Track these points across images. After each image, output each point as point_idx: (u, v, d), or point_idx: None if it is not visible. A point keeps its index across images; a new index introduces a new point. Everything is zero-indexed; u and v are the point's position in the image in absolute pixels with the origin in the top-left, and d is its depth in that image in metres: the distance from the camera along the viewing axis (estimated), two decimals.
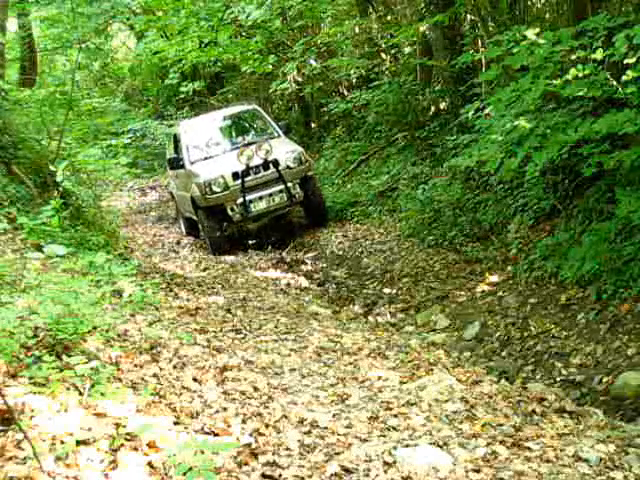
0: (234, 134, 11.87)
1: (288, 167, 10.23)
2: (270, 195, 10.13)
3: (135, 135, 17.27)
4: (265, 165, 10.08)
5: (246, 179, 9.97)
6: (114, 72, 22.92)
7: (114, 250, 6.83)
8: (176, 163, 10.96)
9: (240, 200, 10.00)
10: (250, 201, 10.02)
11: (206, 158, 10.88)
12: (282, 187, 10.15)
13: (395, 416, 3.33)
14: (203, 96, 17.42)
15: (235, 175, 10.00)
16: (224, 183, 9.98)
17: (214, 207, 10.11)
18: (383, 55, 12.80)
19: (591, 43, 5.19)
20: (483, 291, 6.83)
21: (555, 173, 7.03)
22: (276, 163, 10.08)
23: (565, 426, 3.48)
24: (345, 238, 9.83)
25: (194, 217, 10.88)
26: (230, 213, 10.09)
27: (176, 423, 2.89)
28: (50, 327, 3.21)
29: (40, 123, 8.11)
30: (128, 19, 17.39)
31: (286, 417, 3.17)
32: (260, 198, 10.09)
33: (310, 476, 2.64)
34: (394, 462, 2.80)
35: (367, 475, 2.69)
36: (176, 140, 11.55)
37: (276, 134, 11.23)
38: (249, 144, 10.60)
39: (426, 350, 5.08)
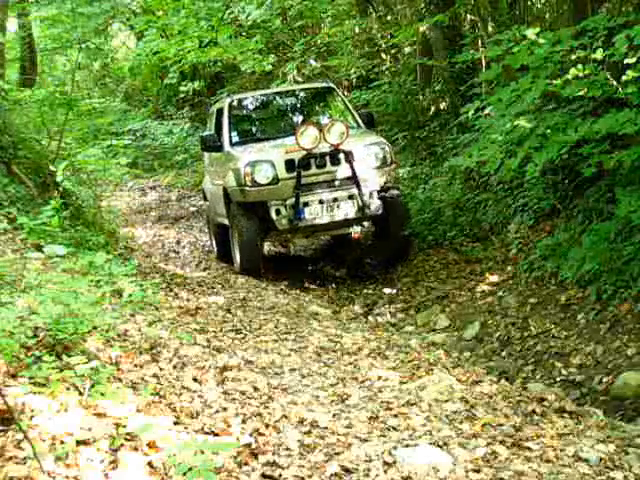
0: (297, 117, 9.13)
1: (367, 165, 7.47)
2: (335, 200, 7.30)
3: (135, 135, 17.29)
4: (334, 157, 7.33)
5: (304, 172, 7.24)
6: (114, 72, 22.93)
7: (114, 250, 6.82)
8: (211, 143, 8.21)
9: (292, 200, 7.25)
10: (305, 204, 7.26)
11: (253, 140, 8.34)
12: (354, 192, 7.31)
13: (395, 416, 3.33)
14: (203, 96, 17.42)
15: (289, 164, 7.28)
16: (273, 173, 7.26)
17: (254, 205, 7.45)
18: (383, 55, 12.80)
19: (591, 43, 5.20)
20: (483, 291, 6.83)
21: (555, 173, 7.03)
22: (350, 156, 7.29)
23: (565, 426, 3.48)
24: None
25: (225, 221, 8.17)
26: (274, 217, 7.32)
27: (176, 423, 2.89)
28: (50, 327, 3.20)
29: (40, 123, 8.11)
30: (128, 19, 17.40)
31: (286, 417, 3.17)
32: (320, 202, 7.28)
33: (310, 476, 2.63)
34: (394, 462, 2.80)
35: (367, 475, 2.69)
36: (218, 117, 8.76)
37: (355, 124, 8.32)
38: (315, 123, 7.82)
39: (426, 350, 5.08)
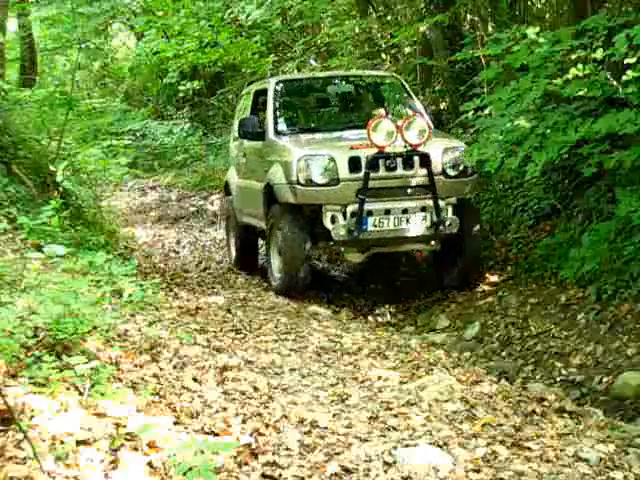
0: (355, 108, 7.95)
1: (444, 173, 6.27)
2: (404, 212, 6.14)
3: (135, 135, 17.29)
4: (408, 159, 6.13)
5: (373, 174, 6.02)
6: (114, 72, 22.93)
7: (114, 250, 6.83)
8: (252, 129, 6.91)
9: (353, 207, 6.04)
10: (369, 212, 6.06)
11: (302, 130, 7.16)
12: (428, 203, 6.18)
13: (395, 416, 3.33)
14: (203, 96, 17.41)
15: (353, 163, 6.10)
16: (333, 170, 6.07)
17: (303, 209, 6.35)
18: (383, 55, 12.80)
19: (591, 43, 5.21)
20: (483, 291, 6.83)
21: (555, 173, 7.03)
22: (427, 161, 6.14)
23: (565, 426, 3.49)
24: None
25: (259, 223, 7.08)
26: (330, 225, 6.12)
27: (176, 423, 2.89)
28: (50, 327, 3.21)
29: (40, 123, 8.12)
30: (128, 19, 17.42)
31: (286, 417, 3.17)
32: (386, 212, 6.10)
33: (310, 476, 2.64)
34: (394, 462, 2.80)
35: (367, 475, 2.69)
36: (257, 100, 7.61)
37: None
38: (390, 116, 6.77)
39: (426, 350, 5.08)
